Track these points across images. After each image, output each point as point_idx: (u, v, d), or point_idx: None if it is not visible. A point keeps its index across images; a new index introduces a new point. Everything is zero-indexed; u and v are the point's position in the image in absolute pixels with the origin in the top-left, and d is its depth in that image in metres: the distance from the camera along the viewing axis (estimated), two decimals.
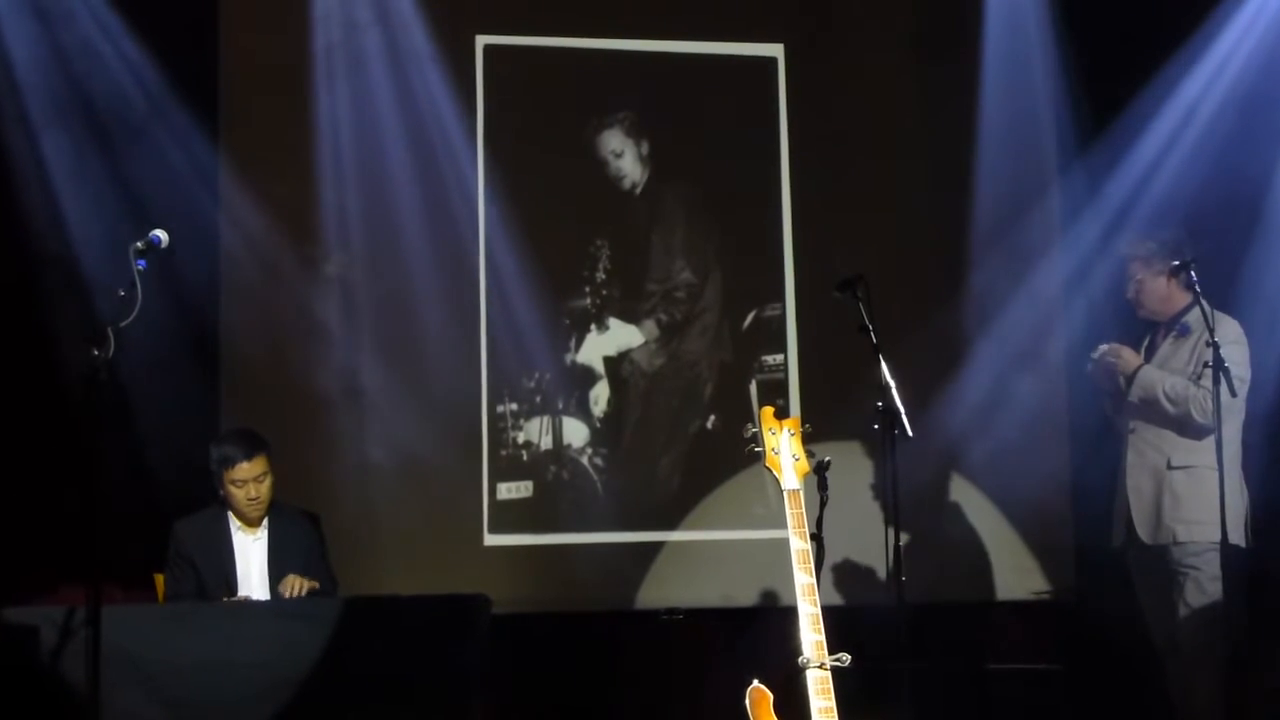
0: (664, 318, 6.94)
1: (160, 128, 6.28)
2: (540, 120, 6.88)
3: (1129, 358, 5.86)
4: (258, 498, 5.50)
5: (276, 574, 5.47)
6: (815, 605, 4.08)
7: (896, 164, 7.08)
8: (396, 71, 6.65)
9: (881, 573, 6.14)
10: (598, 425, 6.84)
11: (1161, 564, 5.73)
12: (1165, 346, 5.85)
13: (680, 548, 6.83)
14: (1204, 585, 5.61)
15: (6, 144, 6.10)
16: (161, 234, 4.61)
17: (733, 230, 7.02)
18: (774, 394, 6.89)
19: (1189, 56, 6.63)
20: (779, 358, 6.99)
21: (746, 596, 6.74)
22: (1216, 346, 5.43)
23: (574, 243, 6.90)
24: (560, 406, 6.80)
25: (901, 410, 5.04)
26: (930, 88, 7.15)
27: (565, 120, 6.92)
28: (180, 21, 6.34)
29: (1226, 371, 5.43)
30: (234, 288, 6.45)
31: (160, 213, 5.66)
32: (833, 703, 4.00)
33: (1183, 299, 5.81)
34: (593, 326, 6.88)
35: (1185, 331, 5.79)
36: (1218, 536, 5.48)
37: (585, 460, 6.80)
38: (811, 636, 4.05)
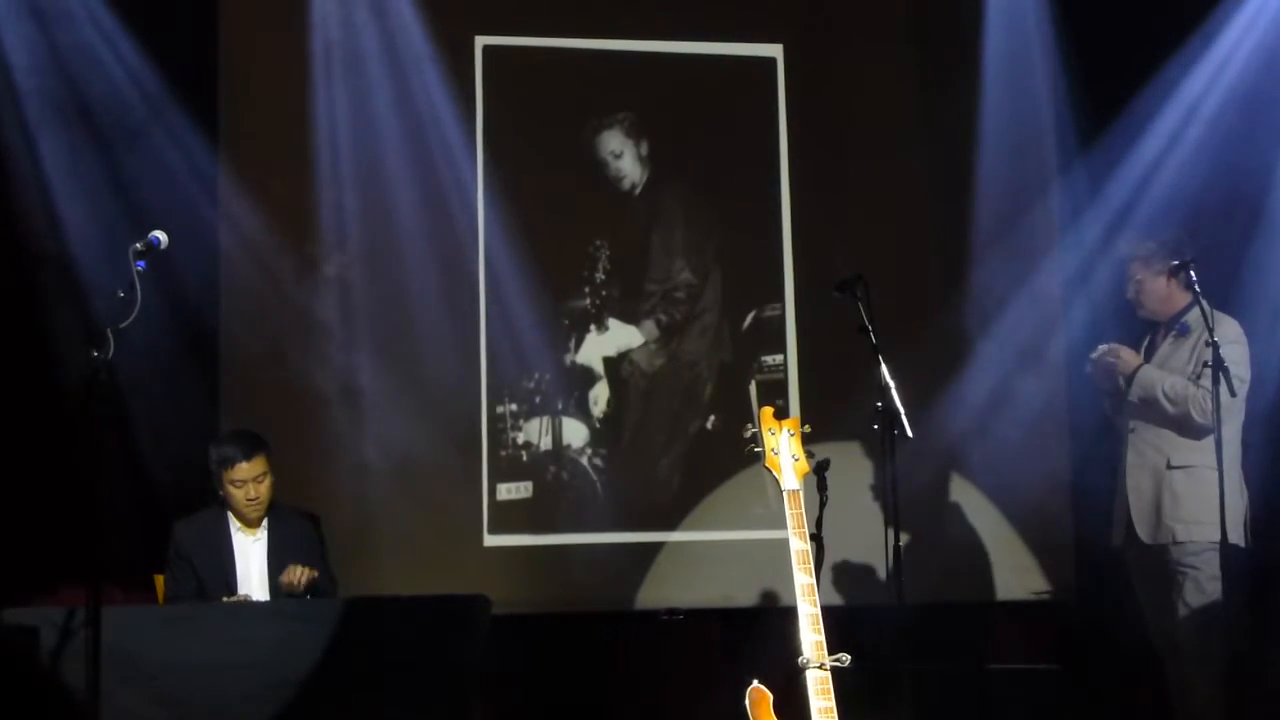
0: (664, 318, 6.94)
1: (158, 129, 6.28)
2: (539, 121, 6.88)
3: (1128, 358, 5.86)
4: (257, 498, 5.50)
5: (276, 575, 5.47)
6: (815, 605, 4.08)
7: (896, 164, 7.08)
8: (395, 72, 6.65)
9: (881, 573, 6.14)
10: (597, 426, 6.84)
11: (1161, 564, 5.73)
12: (1165, 346, 5.85)
13: (680, 548, 6.83)
14: (1203, 585, 5.61)
15: (4, 145, 6.10)
16: (161, 235, 4.61)
17: (732, 231, 7.02)
18: (774, 394, 6.89)
19: (1190, 55, 6.63)
20: (779, 358, 6.98)
21: (746, 597, 6.74)
22: (1216, 346, 5.43)
23: (573, 243, 6.90)
24: (560, 407, 6.80)
25: (901, 410, 5.04)
26: (930, 88, 7.15)
27: (565, 121, 6.92)
28: (179, 22, 6.33)
29: (1226, 371, 5.43)
30: (233, 288, 6.45)
31: (158, 214, 5.66)
32: (833, 703, 4.00)
33: (1182, 299, 5.80)
34: (592, 327, 6.88)
35: (1185, 331, 5.78)
36: (1217, 536, 5.48)
37: (585, 461, 6.80)
38: (811, 637, 4.05)
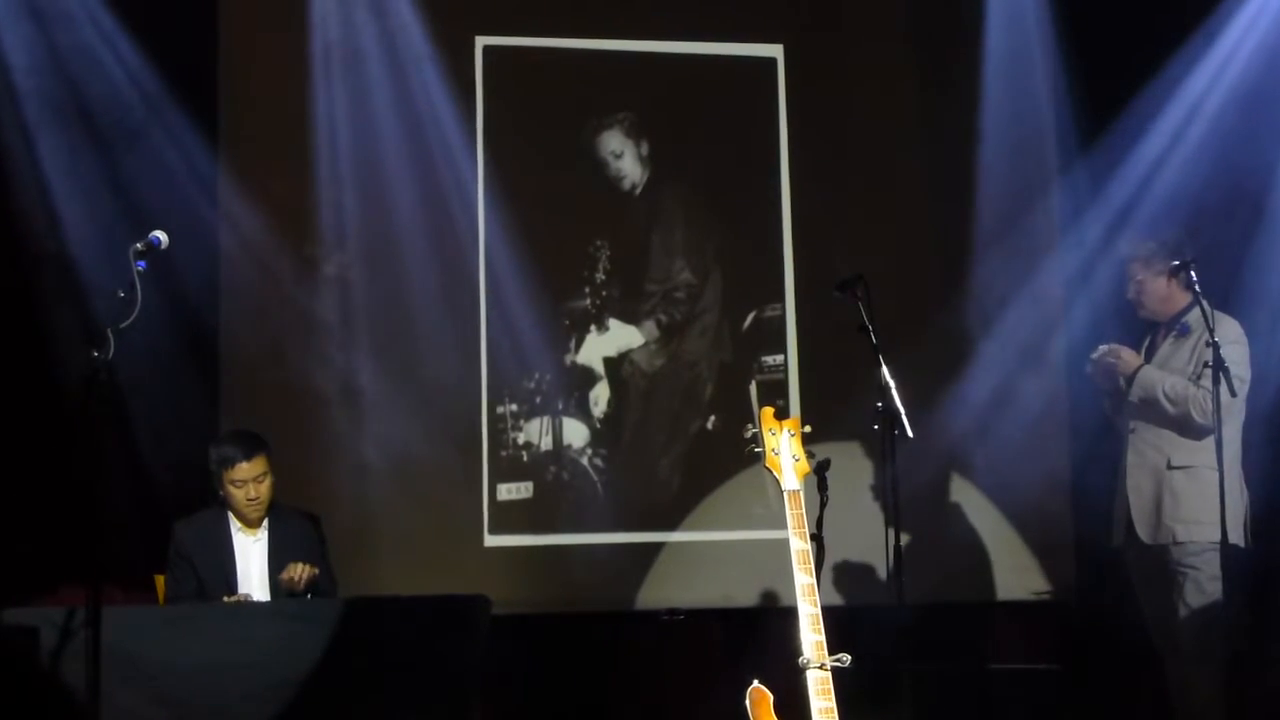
0: (664, 318, 6.94)
1: (158, 129, 6.28)
2: (539, 121, 6.88)
3: (1128, 358, 5.85)
4: (257, 498, 5.50)
5: (276, 575, 5.46)
6: (815, 605, 4.08)
7: (896, 164, 7.08)
8: (395, 72, 6.64)
9: (881, 573, 6.13)
10: (598, 426, 6.84)
11: (1161, 564, 5.73)
12: (1165, 346, 5.84)
13: (680, 548, 6.83)
14: (1203, 585, 5.61)
15: (3, 145, 6.10)
16: (161, 235, 4.60)
17: (732, 230, 7.01)
18: (774, 394, 6.89)
19: (1191, 54, 6.62)
20: (779, 358, 6.98)
21: (746, 597, 6.74)
22: (1216, 346, 5.42)
23: (574, 243, 6.89)
24: (560, 407, 6.80)
25: (901, 411, 5.04)
26: (930, 88, 7.15)
27: (565, 121, 6.92)
28: (178, 23, 6.33)
29: (1226, 371, 5.43)
30: (233, 289, 6.45)
31: (158, 214, 5.66)
32: (833, 703, 4.00)
33: (1183, 299, 5.80)
34: (592, 327, 6.87)
35: (1185, 331, 5.78)
36: (1217, 536, 5.48)
37: (585, 461, 6.80)
38: (811, 637, 4.04)
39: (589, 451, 6.81)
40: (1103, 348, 5.93)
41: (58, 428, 5.64)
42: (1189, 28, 6.61)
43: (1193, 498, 5.66)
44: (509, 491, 6.72)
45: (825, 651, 4.03)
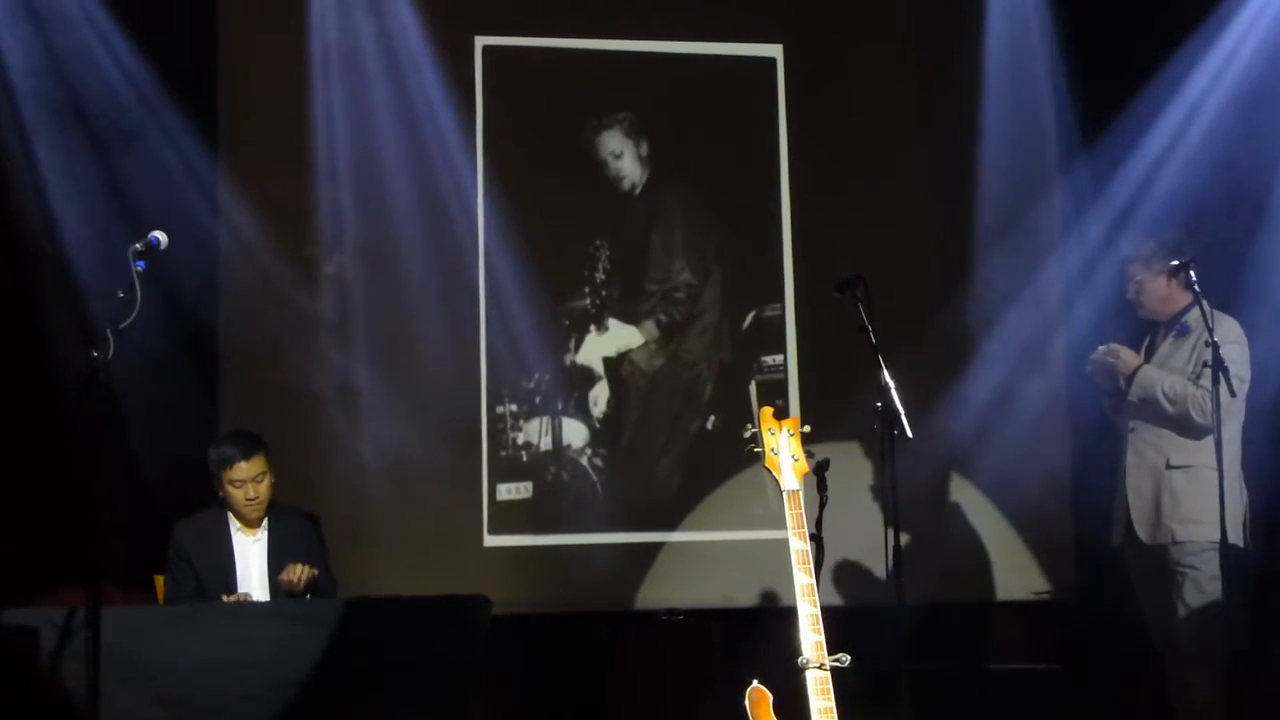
0: (663, 318, 6.94)
1: (156, 130, 6.27)
2: (539, 121, 6.88)
3: (1128, 358, 5.85)
4: (256, 498, 5.50)
5: (276, 575, 5.46)
6: (815, 606, 4.07)
7: (897, 164, 7.07)
8: (394, 73, 6.64)
9: (881, 573, 6.11)
10: (597, 426, 6.83)
11: (1160, 564, 5.73)
12: (1165, 346, 5.84)
13: (680, 548, 6.82)
14: (1203, 585, 5.60)
15: (0, 146, 6.09)
16: (160, 235, 4.61)
17: (732, 230, 7.01)
18: (774, 394, 6.88)
19: (1192, 54, 6.61)
20: (779, 358, 6.98)
21: (746, 597, 6.74)
22: (1216, 346, 5.42)
23: (573, 243, 6.89)
24: (560, 407, 6.79)
25: (901, 411, 5.02)
26: (930, 87, 7.15)
27: (564, 121, 6.92)
28: (177, 24, 6.33)
29: (1226, 371, 5.42)
30: (232, 289, 6.44)
31: (155, 215, 5.64)
32: (832, 703, 3.99)
33: (1182, 299, 5.80)
34: (592, 327, 6.87)
35: (1185, 331, 5.78)
36: (1216, 536, 5.48)
37: (585, 461, 6.80)
38: (811, 637, 4.04)
39: (589, 451, 6.80)
40: (1102, 348, 5.93)
41: (57, 428, 5.64)
42: (1189, 27, 6.60)
43: (1192, 497, 5.66)
44: (508, 491, 6.71)
45: (825, 651, 4.03)
